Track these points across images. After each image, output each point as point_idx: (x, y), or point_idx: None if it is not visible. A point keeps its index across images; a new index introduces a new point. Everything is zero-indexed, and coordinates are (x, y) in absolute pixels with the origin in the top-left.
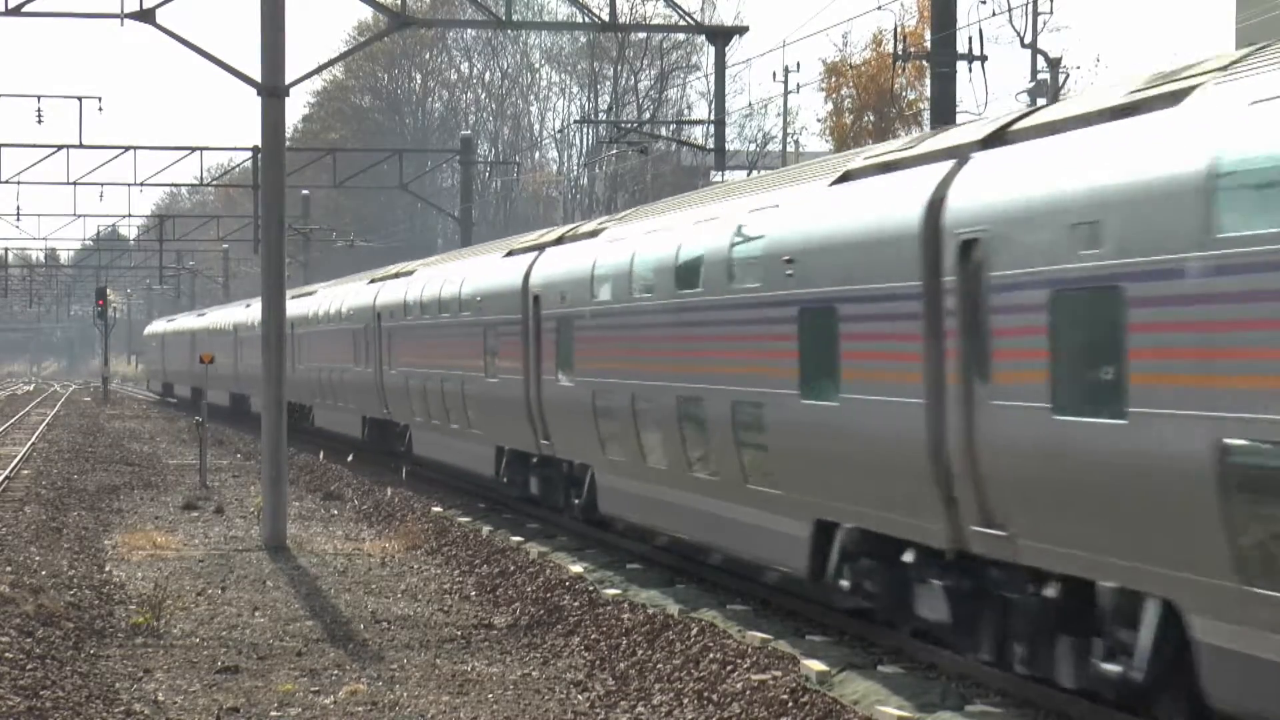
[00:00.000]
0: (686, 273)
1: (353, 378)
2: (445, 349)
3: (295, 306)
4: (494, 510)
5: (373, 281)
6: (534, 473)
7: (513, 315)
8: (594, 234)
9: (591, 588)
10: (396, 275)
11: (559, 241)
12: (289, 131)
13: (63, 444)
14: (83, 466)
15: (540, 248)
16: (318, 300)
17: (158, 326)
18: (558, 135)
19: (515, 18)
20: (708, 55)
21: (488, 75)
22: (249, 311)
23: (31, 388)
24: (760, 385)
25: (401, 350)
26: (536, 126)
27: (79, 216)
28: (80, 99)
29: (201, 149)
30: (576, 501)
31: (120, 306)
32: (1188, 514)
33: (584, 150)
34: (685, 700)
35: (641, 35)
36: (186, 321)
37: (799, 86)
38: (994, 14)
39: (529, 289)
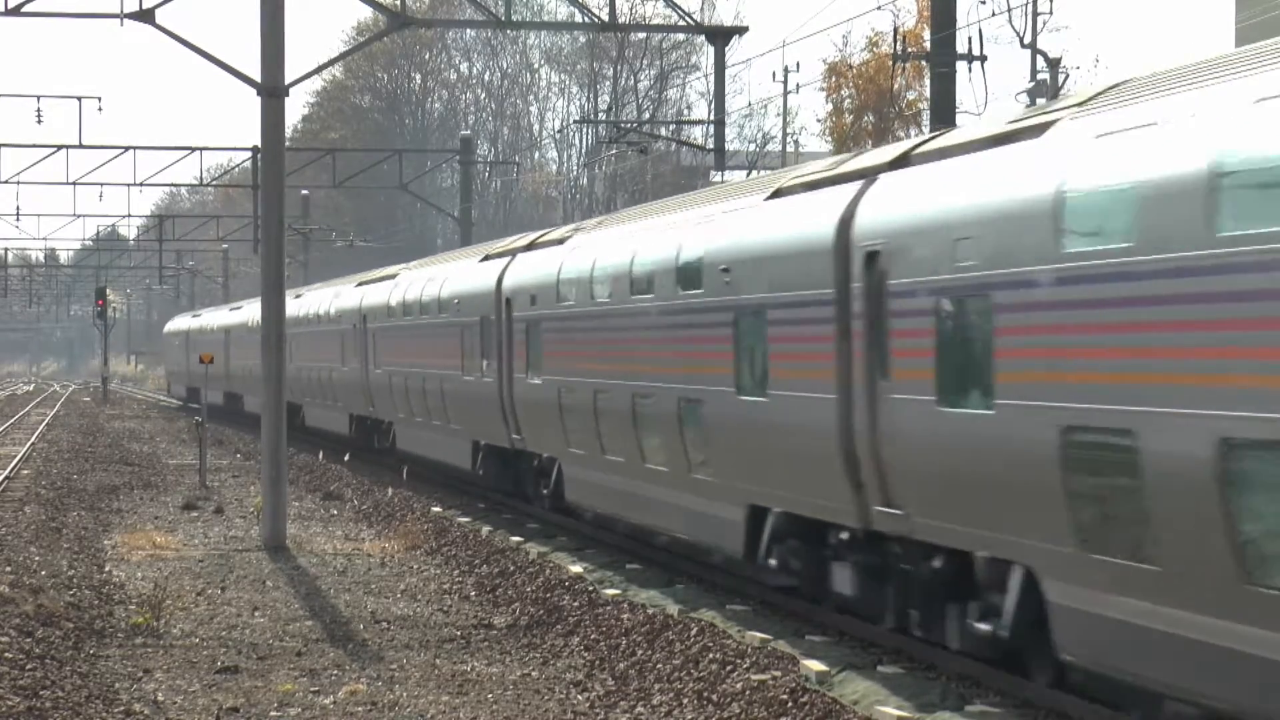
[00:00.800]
0: None
1: (456, 388)
2: (641, 347)
3: (373, 294)
4: (494, 510)
5: (488, 258)
6: (844, 558)
7: (810, 291)
8: (1008, 137)
9: (591, 588)
10: (531, 246)
11: (900, 163)
12: (289, 131)
13: (62, 444)
14: (82, 466)
15: (862, 177)
16: (403, 285)
17: (181, 323)
18: (557, 135)
19: (515, 18)
20: (707, 55)
21: (487, 75)
22: (300, 303)
23: (31, 388)
24: None
25: (548, 350)
26: (536, 126)
27: (79, 216)
28: (80, 99)
29: (201, 149)
30: (985, 628)
31: (120, 306)
32: None
33: (584, 150)
34: (685, 700)
35: (641, 35)
36: (218, 317)
37: (798, 87)
38: (994, 14)
39: (851, 247)
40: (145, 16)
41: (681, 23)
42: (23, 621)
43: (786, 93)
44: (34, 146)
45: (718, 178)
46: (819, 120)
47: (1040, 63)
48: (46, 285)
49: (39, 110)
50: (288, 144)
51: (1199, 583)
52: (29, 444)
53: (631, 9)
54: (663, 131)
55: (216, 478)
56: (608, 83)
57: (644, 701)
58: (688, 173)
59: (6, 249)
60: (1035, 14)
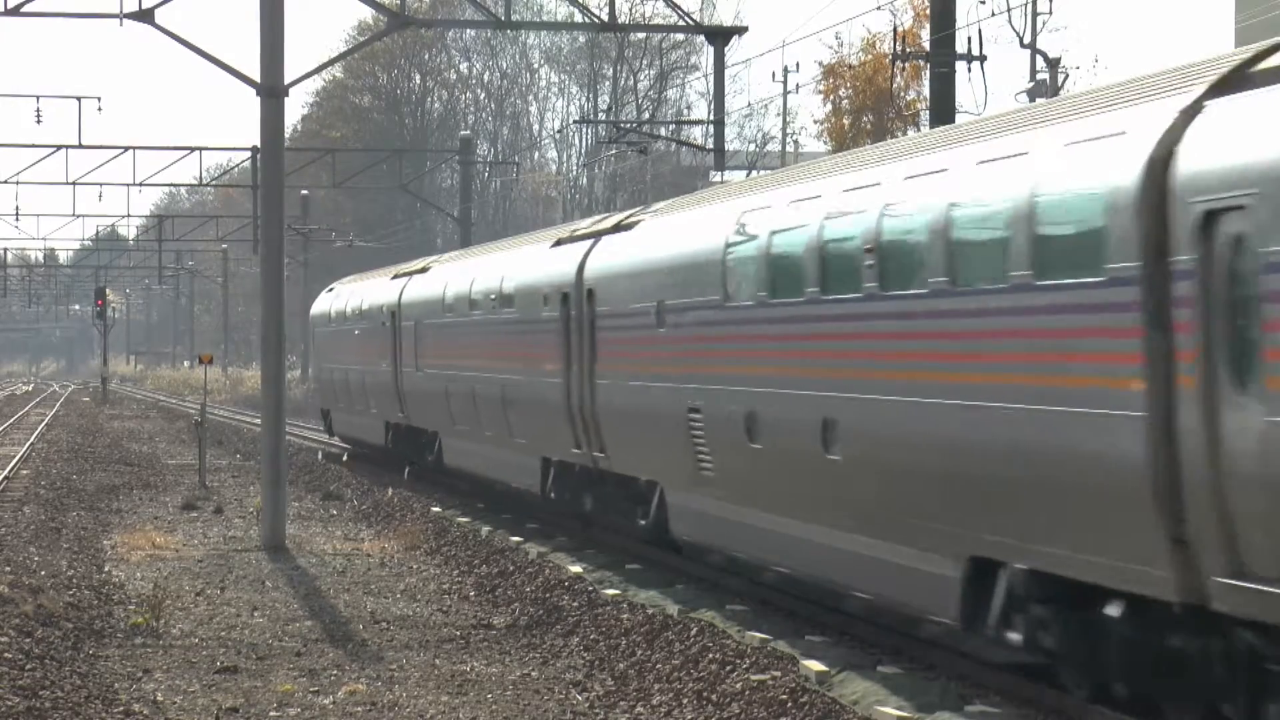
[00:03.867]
0: None
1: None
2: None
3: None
4: (493, 510)
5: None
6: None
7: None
8: None
9: (591, 588)
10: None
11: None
12: (289, 131)
13: (62, 444)
14: (82, 466)
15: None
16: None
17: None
18: (557, 135)
19: (515, 18)
20: (707, 55)
21: (487, 75)
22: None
23: (30, 388)
24: None
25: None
26: (536, 126)
27: (78, 216)
28: (79, 99)
29: (201, 149)
30: None
31: (119, 306)
32: None
33: (584, 150)
34: (685, 700)
35: (641, 35)
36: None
37: (798, 87)
38: (993, 14)
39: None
40: (145, 16)
41: (681, 23)
42: (22, 621)
43: (786, 93)
44: (34, 146)
45: (717, 178)
46: (816, 121)
47: (1040, 63)
48: (46, 285)
49: (39, 110)
50: (287, 144)
51: None
52: (28, 444)
53: (631, 9)
54: (663, 131)
55: (216, 478)
56: (608, 83)
57: (644, 701)
58: (688, 173)
59: (6, 249)
60: (1035, 14)
